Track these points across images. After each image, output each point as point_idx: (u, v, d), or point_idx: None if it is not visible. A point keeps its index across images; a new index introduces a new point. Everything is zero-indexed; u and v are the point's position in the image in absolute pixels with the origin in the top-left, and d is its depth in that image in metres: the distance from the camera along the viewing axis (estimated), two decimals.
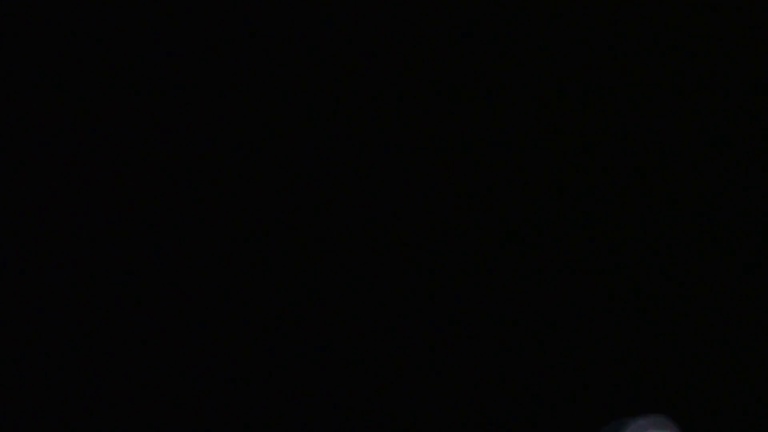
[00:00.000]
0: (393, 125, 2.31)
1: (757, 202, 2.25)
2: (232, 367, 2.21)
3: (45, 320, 2.17)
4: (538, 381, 2.17)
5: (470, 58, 2.32)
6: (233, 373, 2.20)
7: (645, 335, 2.21)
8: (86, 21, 2.22)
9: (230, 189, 2.28)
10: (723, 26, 2.29)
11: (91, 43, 2.24)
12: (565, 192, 2.28)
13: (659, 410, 1.98)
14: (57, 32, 2.22)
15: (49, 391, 2.14)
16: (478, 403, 2.17)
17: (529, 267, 2.24)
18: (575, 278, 2.25)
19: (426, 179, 2.28)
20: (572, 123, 2.32)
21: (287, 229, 2.28)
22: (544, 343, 2.20)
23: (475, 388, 2.18)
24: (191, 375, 2.19)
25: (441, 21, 2.31)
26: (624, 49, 2.31)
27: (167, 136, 2.27)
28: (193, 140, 2.28)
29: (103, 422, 2.13)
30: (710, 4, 2.27)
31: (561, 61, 2.32)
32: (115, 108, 2.25)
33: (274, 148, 2.30)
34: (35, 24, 2.21)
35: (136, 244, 2.24)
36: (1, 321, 2.13)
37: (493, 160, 2.29)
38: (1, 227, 2.17)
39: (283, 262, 2.27)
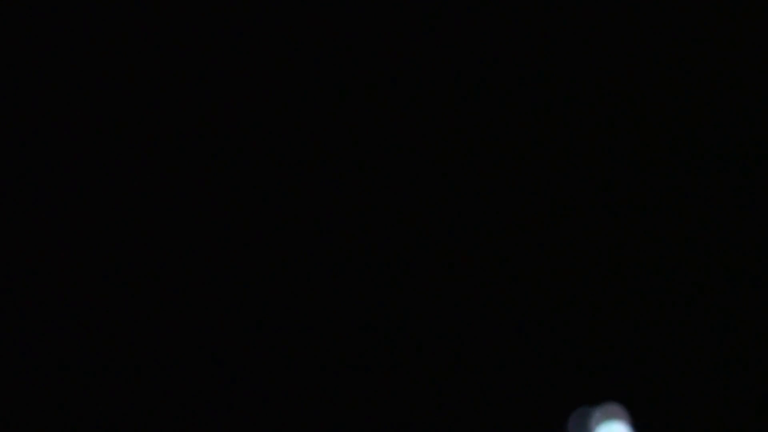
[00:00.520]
0: (393, 125, 2.31)
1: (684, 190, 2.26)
2: (231, 367, 2.21)
3: (45, 320, 2.17)
4: (499, 375, 2.19)
5: (470, 58, 2.32)
6: (233, 373, 2.21)
7: (598, 327, 2.22)
8: (87, 21, 2.23)
9: (230, 189, 2.29)
10: (723, 26, 2.29)
11: (91, 43, 2.24)
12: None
13: (612, 399, 2.03)
14: (57, 32, 2.22)
15: (50, 391, 2.14)
16: (441, 398, 2.18)
17: (484, 266, 2.26)
18: (537, 275, 2.26)
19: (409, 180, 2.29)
20: (572, 123, 2.32)
21: (287, 228, 2.29)
22: (504, 338, 2.21)
23: (439, 385, 2.19)
24: (191, 375, 2.19)
25: (441, 21, 2.31)
26: (624, 49, 2.31)
27: (167, 135, 2.28)
28: (193, 140, 2.29)
29: (103, 422, 2.13)
30: (710, 4, 2.27)
31: (561, 61, 2.32)
32: (116, 108, 2.26)
33: (273, 148, 2.31)
34: (35, 24, 2.21)
35: (136, 244, 2.24)
36: (1, 321, 2.14)
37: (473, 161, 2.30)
38: (1, 227, 2.18)
39: (282, 261, 2.28)
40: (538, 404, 2.14)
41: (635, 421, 1.97)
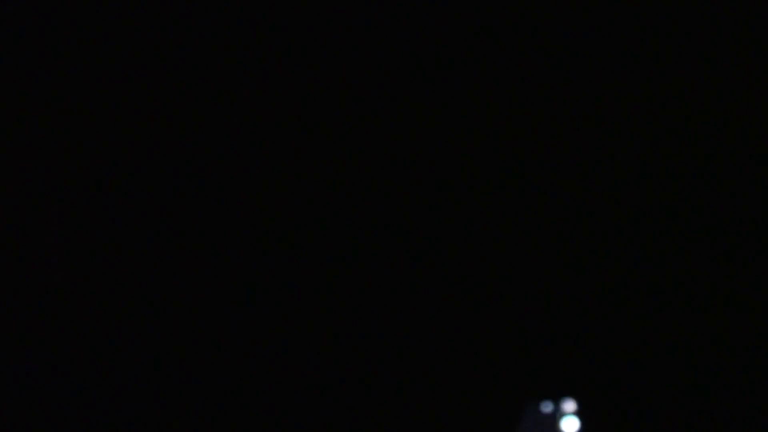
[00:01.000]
0: (393, 125, 2.32)
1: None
2: (231, 367, 2.21)
3: (45, 320, 2.18)
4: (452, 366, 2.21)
5: (470, 59, 2.32)
6: (232, 373, 2.21)
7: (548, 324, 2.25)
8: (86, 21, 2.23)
9: (230, 189, 2.29)
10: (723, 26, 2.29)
11: (90, 43, 2.24)
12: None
13: (566, 393, 2.07)
14: (57, 32, 2.23)
15: (49, 391, 2.14)
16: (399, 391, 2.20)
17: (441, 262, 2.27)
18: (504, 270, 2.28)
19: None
20: (571, 123, 2.32)
21: (286, 229, 2.29)
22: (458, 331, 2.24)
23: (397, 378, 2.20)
24: (191, 374, 2.19)
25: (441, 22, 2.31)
26: (624, 50, 2.32)
27: (167, 136, 2.28)
28: (193, 140, 2.29)
29: (104, 422, 2.14)
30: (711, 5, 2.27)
31: (560, 62, 2.32)
32: (115, 108, 2.26)
33: (273, 148, 2.31)
34: (35, 24, 2.21)
35: (136, 244, 2.24)
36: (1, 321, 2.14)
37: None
38: (1, 227, 2.18)
39: (281, 261, 2.28)
40: (496, 399, 2.17)
41: (587, 415, 2.02)
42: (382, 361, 2.24)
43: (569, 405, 2.03)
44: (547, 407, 2.04)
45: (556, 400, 2.07)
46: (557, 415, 2.00)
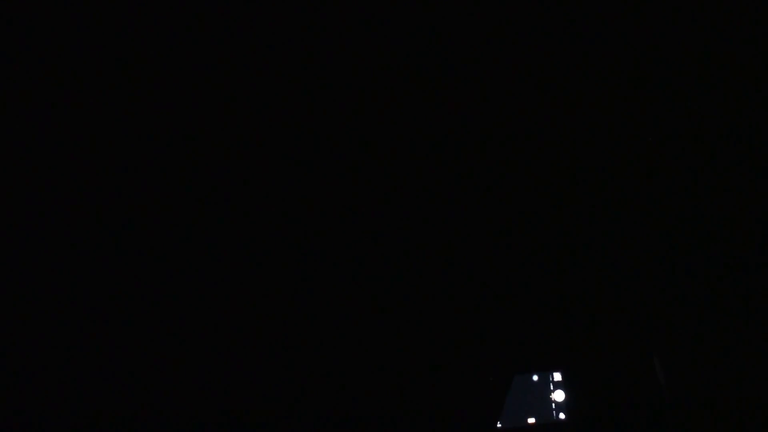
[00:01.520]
0: (393, 125, 2.32)
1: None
2: (231, 367, 2.22)
3: (45, 319, 2.18)
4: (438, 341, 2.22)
5: (470, 59, 2.33)
6: (232, 373, 2.21)
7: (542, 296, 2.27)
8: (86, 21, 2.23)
9: (230, 189, 2.29)
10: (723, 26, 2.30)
11: (91, 43, 2.24)
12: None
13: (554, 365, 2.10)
14: (57, 32, 2.23)
15: (49, 391, 2.15)
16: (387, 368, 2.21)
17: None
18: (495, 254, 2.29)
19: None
20: (571, 124, 2.32)
21: (285, 229, 2.29)
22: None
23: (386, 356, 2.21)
24: (190, 374, 2.20)
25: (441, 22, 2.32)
26: (623, 50, 2.32)
27: (167, 135, 2.29)
28: (193, 140, 2.29)
29: (104, 422, 2.14)
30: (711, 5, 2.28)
31: (560, 62, 2.32)
32: (116, 108, 2.26)
33: (273, 148, 2.31)
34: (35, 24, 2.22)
35: (136, 244, 2.25)
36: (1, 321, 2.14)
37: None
38: (1, 227, 2.18)
39: (281, 261, 2.28)
40: (485, 367, 2.19)
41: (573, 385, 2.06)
42: (361, 319, 2.25)
43: (557, 375, 2.06)
44: (535, 376, 2.07)
45: (545, 371, 2.09)
46: (546, 384, 2.03)
